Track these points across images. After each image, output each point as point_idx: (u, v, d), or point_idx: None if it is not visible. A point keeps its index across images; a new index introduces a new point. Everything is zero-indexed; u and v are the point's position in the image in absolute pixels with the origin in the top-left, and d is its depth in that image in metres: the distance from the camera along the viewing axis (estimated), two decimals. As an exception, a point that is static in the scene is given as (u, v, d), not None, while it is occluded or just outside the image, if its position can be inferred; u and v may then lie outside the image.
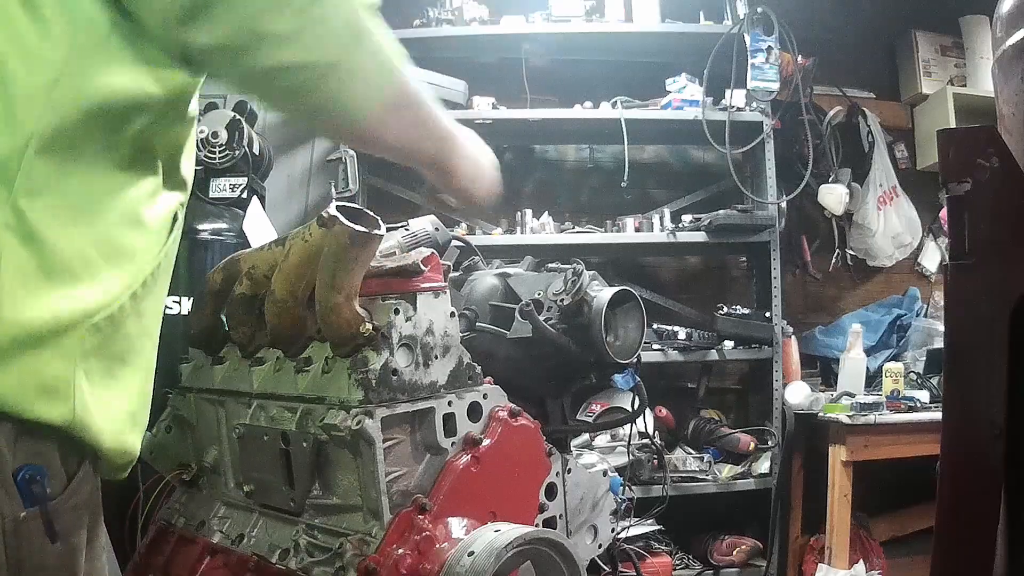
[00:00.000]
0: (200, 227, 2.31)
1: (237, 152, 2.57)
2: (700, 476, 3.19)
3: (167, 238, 0.98)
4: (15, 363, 0.80)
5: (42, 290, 0.82)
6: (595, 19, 3.41)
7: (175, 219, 1.01)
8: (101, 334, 0.87)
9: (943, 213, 3.57)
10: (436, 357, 1.37)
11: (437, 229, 1.61)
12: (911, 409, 2.95)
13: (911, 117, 3.89)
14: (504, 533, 1.24)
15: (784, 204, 3.43)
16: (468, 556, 1.21)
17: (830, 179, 3.52)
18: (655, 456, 3.05)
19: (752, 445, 3.24)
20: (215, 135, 2.56)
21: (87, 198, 0.86)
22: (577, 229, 3.45)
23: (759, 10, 3.27)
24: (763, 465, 3.26)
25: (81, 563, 0.88)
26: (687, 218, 3.37)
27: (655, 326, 3.25)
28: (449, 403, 1.37)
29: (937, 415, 1.42)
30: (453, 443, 1.37)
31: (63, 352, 0.83)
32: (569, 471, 1.56)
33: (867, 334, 3.43)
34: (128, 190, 0.91)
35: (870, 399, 2.96)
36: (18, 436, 0.81)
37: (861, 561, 2.97)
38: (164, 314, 1.03)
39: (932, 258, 3.83)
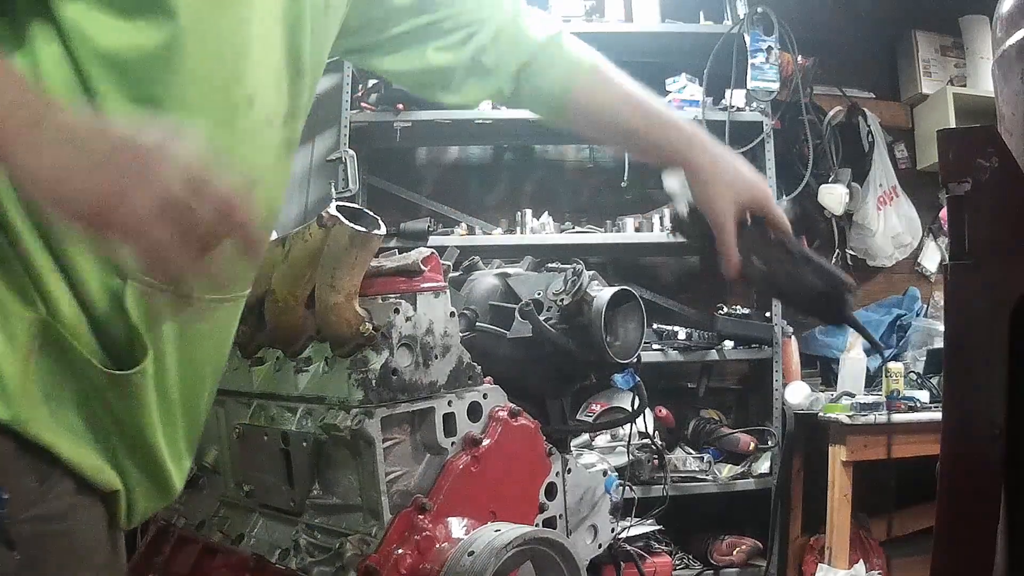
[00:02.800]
0: (200, 227, 2.32)
1: (237, 152, 2.56)
2: (700, 476, 3.19)
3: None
4: None
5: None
6: (595, 19, 3.41)
7: None
8: (52, 334, 0.80)
9: (943, 213, 3.57)
10: (436, 357, 1.37)
11: None
12: (911, 409, 2.94)
13: (911, 117, 3.89)
14: (504, 533, 1.24)
15: (784, 204, 3.43)
16: (468, 556, 1.21)
17: (830, 179, 3.52)
18: (655, 456, 3.05)
19: (752, 445, 3.24)
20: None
21: None
22: (577, 229, 3.44)
23: (759, 10, 3.27)
24: (763, 465, 3.26)
25: None
26: (687, 218, 3.36)
27: (655, 326, 3.25)
28: (449, 403, 1.37)
29: (937, 415, 1.42)
30: (453, 443, 1.37)
31: (13, 345, 0.77)
32: (569, 471, 1.56)
33: (867, 334, 3.42)
34: None
35: (870, 399, 2.96)
36: None
37: (861, 561, 2.97)
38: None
39: (932, 258, 3.83)
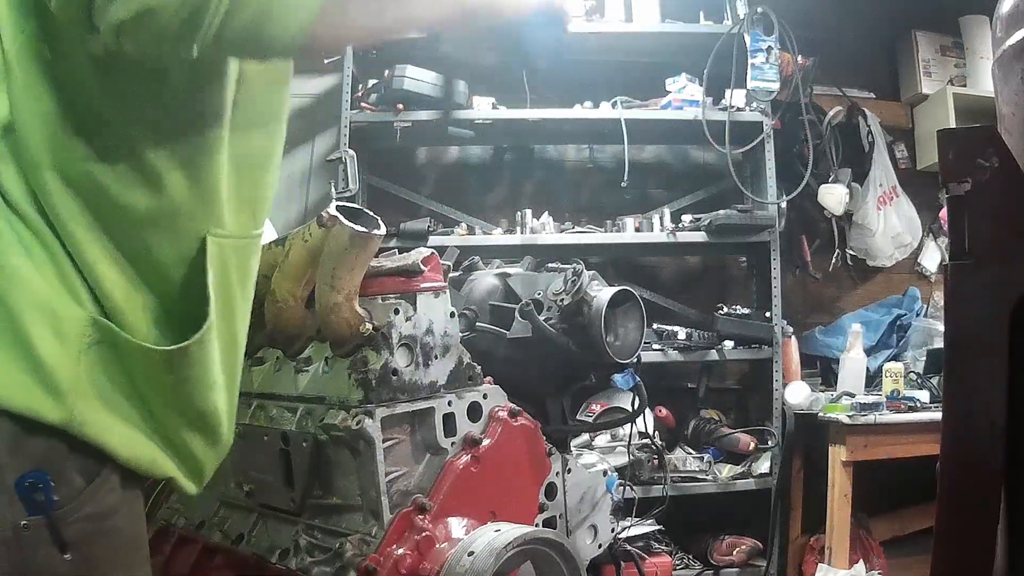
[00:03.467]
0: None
1: (237, 152, 2.56)
2: (700, 476, 3.18)
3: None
4: (12, 354, 0.77)
5: (47, 281, 0.80)
6: (595, 19, 3.40)
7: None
8: (102, 331, 0.83)
9: (943, 213, 3.56)
10: (436, 357, 1.37)
11: None
12: (911, 409, 2.94)
13: (911, 117, 3.89)
14: (504, 533, 1.24)
15: (784, 204, 3.43)
16: (468, 556, 1.21)
17: (830, 179, 3.51)
18: (655, 456, 3.05)
19: (752, 445, 3.23)
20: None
21: None
22: (577, 229, 3.44)
23: (759, 10, 3.27)
24: (763, 465, 3.26)
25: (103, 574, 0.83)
26: (687, 218, 3.37)
27: (655, 326, 3.24)
28: (449, 403, 1.37)
29: (937, 415, 1.42)
30: (453, 443, 1.37)
31: (64, 345, 0.80)
32: (569, 471, 1.56)
33: (867, 334, 3.42)
34: None
35: (870, 399, 2.96)
36: (20, 438, 0.78)
37: (861, 561, 2.97)
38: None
39: (932, 258, 3.82)
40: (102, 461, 0.83)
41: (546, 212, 3.43)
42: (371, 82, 3.37)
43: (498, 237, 3.31)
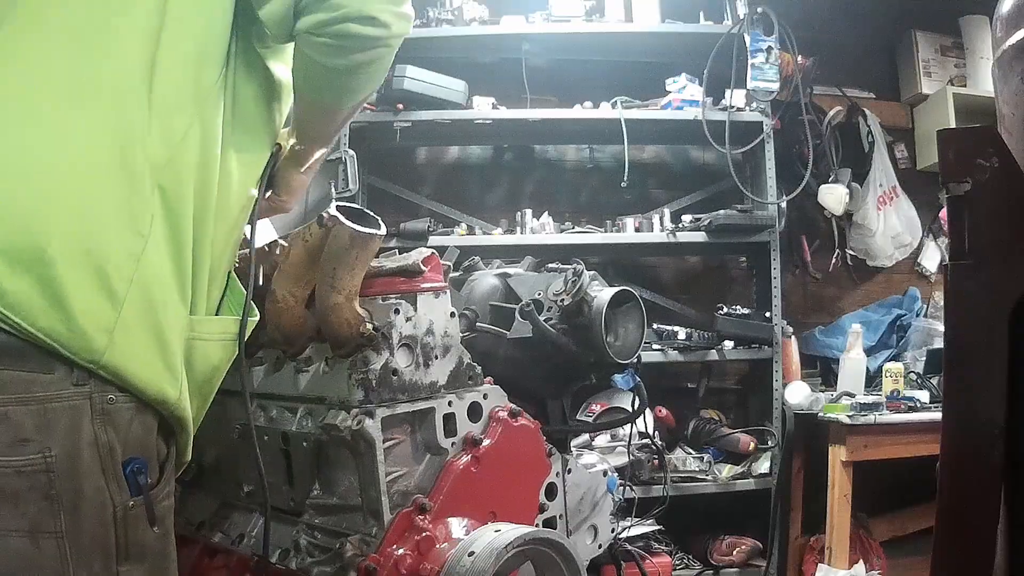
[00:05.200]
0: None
1: (237, 152, 2.56)
2: (700, 476, 3.18)
3: None
4: (154, 346, 0.91)
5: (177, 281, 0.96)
6: (595, 19, 3.41)
7: None
8: (194, 329, 1.01)
9: (943, 213, 3.57)
10: (436, 357, 1.37)
11: None
12: (911, 409, 2.94)
13: (911, 117, 3.89)
14: (504, 533, 1.24)
15: (784, 204, 3.43)
16: (468, 556, 1.21)
17: (830, 179, 3.51)
18: (655, 456, 3.05)
19: (752, 445, 3.23)
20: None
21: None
22: (577, 229, 3.44)
23: (759, 10, 3.26)
24: (763, 465, 3.26)
25: (173, 544, 1.00)
26: (687, 218, 3.37)
27: (655, 326, 3.25)
28: (449, 403, 1.37)
29: (937, 415, 1.42)
30: (453, 443, 1.37)
31: (178, 339, 0.96)
32: (569, 471, 1.56)
33: (867, 334, 3.42)
34: None
35: (870, 399, 2.96)
36: (131, 423, 0.90)
37: (861, 561, 2.97)
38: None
39: (932, 258, 3.83)
40: (169, 442, 0.98)
41: (546, 212, 3.43)
42: (371, 82, 3.36)
43: (498, 237, 3.31)
